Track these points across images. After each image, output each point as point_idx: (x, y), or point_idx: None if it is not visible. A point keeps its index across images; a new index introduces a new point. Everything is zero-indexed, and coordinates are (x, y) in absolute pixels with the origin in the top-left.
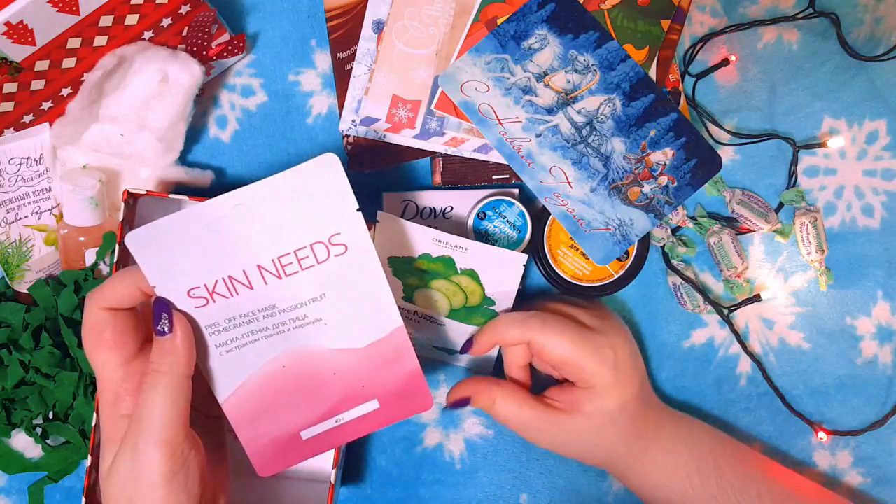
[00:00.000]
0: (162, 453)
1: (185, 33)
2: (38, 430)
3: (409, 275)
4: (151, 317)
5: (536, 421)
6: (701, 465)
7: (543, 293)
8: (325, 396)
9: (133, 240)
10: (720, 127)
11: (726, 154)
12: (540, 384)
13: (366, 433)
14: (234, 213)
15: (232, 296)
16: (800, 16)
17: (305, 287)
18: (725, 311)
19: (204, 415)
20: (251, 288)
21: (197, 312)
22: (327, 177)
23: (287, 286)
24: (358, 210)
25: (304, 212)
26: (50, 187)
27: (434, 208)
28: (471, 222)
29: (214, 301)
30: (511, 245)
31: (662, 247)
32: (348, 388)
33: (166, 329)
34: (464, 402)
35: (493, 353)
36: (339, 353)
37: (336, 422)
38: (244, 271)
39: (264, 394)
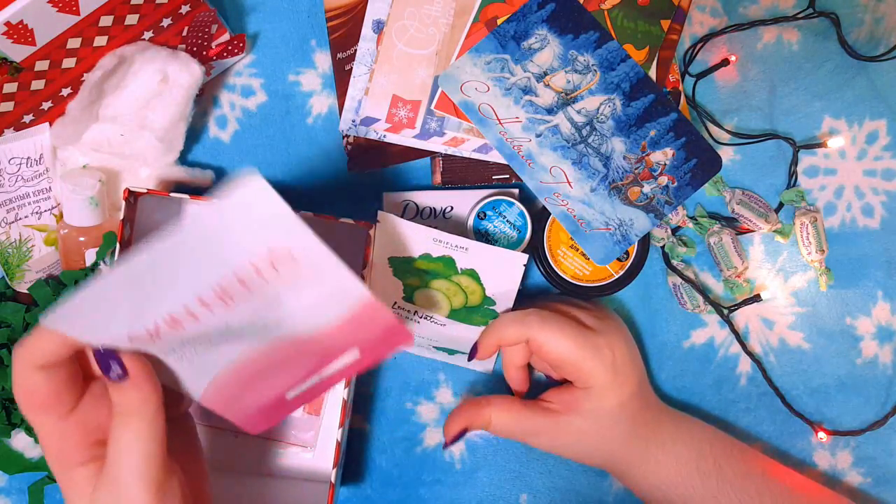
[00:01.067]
0: (147, 489)
1: (185, 33)
2: None
3: (409, 275)
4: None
5: (534, 426)
6: (700, 465)
7: (543, 293)
8: (302, 365)
9: (56, 320)
10: (720, 127)
11: (726, 154)
12: (537, 388)
13: (350, 377)
14: (153, 267)
15: (178, 329)
16: (800, 16)
17: (256, 302)
18: (725, 311)
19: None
20: (197, 319)
21: (144, 347)
22: (254, 196)
23: (236, 307)
24: (296, 213)
25: (234, 237)
26: (50, 187)
27: (434, 208)
28: (471, 222)
29: (161, 338)
30: (511, 245)
31: (662, 247)
32: (326, 354)
33: (119, 375)
34: (461, 434)
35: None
36: (309, 337)
37: (319, 377)
38: (184, 306)
39: (240, 379)
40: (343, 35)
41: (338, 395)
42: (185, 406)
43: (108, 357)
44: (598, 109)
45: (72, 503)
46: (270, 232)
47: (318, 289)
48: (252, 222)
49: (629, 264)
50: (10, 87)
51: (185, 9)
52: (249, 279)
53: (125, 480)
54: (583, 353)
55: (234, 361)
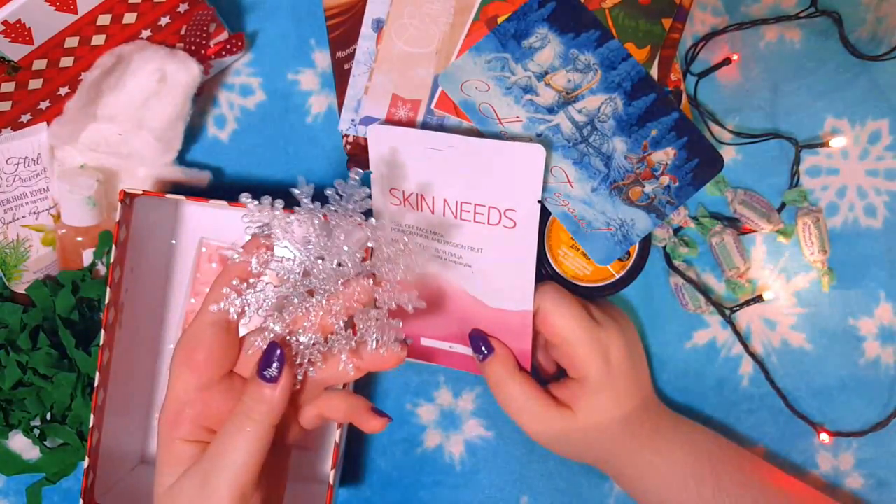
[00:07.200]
0: (232, 497)
1: (183, 32)
2: (36, 432)
3: None
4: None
5: (533, 401)
6: (697, 471)
7: None
8: (448, 324)
9: (373, 131)
10: (722, 126)
11: (728, 154)
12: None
13: (461, 369)
14: (445, 151)
15: (416, 210)
16: (802, 15)
17: (470, 235)
18: (727, 312)
19: (279, 445)
20: (432, 212)
21: (390, 207)
22: (529, 164)
23: (457, 226)
24: (539, 202)
25: (498, 179)
26: (47, 187)
27: None
28: None
29: (404, 206)
30: None
31: (664, 247)
32: (467, 331)
33: (273, 376)
34: (487, 342)
35: None
36: (472, 300)
37: (449, 347)
38: (433, 197)
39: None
40: (342, 34)
41: None
42: (293, 437)
43: (274, 353)
44: (599, 109)
45: (161, 468)
46: (517, 198)
47: (505, 270)
48: (514, 181)
49: (630, 264)
50: (7, 87)
51: (183, 7)
52: (480, 213)
53: (217, 478)
54: (580, 338)
55: (418, 273)
